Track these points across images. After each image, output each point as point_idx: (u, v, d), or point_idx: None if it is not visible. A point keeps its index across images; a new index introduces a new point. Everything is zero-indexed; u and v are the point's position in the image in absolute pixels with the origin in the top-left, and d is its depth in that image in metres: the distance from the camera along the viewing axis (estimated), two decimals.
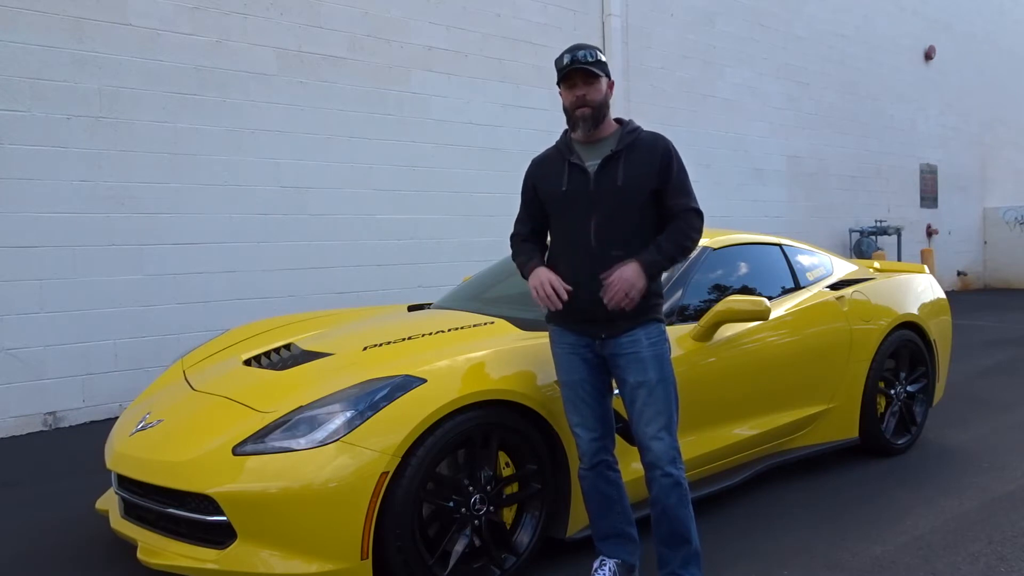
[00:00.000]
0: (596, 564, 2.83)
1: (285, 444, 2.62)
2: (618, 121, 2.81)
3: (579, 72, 2.67)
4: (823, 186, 12.32)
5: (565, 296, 2.65)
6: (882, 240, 12.99)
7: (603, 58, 2.73)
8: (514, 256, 2.93)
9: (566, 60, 2.68)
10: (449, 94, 7.76)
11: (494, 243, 7.78)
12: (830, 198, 12.45)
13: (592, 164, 2.71)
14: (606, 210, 2.67)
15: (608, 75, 2.75)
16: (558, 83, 2.75)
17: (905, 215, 14.02)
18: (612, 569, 2.81)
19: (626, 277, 2.57)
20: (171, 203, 6.06)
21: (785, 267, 4.27)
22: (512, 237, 2.98)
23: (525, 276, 2.82)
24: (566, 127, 2.82)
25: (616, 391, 2.82)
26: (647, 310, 2.70)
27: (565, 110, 2.75)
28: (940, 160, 14.90)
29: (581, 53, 2.67)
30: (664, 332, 2.75)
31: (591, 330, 2.73)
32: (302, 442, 2.60)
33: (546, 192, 2.81)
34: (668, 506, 2.65)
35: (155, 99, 5.97)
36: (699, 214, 2.73)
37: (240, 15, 6.40)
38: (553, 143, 2.89)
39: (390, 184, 7.34)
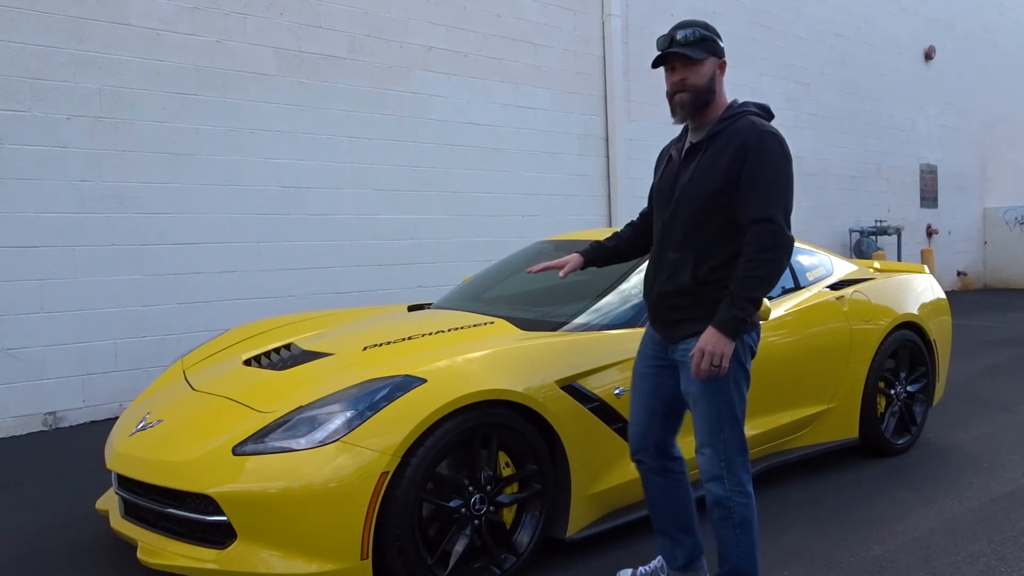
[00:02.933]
0: (659, 558, 2.86)
1: (285, 444, 2.62)
2: (731, 104, 2.53)
3: (677, 55, 2.43)
4: (823, 186, 12.32)
5: (530, 270, 3.00)
6: (882, 240, 12.99)
7: (711, 35, 2.46)
8: None
9: (662, 44, 2.45)
10: (449, 94, 7.76)
11: (494, 243, 7.80)
12: (830, 198, 12.45)
13: (680, 157, 2.56)
14: (673, 209, 2.52)
15: (719, 54, 2.47)
16: (654, 65, 2.52)
17: (905, 215, 14.03)
18: (661, 563, 2.83)
19: (704, 348, 2.35)
20: (171, 203, 6.06)
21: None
22: None
23: None
24: None
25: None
26: (704, 319, 2.43)
27: (667, 95, 2.51)
28: (940, 160, 14.90)
29: (681, 34, 2.42)
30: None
31: (660, 330, 2.65)
32: (302, 442, 2.60)
33: (653, 182, 2.74)
34: (712, 521, 2.58)
35: (155, 99, 5.97)
36: (772, 223, 2.34)
37: (240, 15, 6.40)
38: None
39: (390, 184, 7.34)
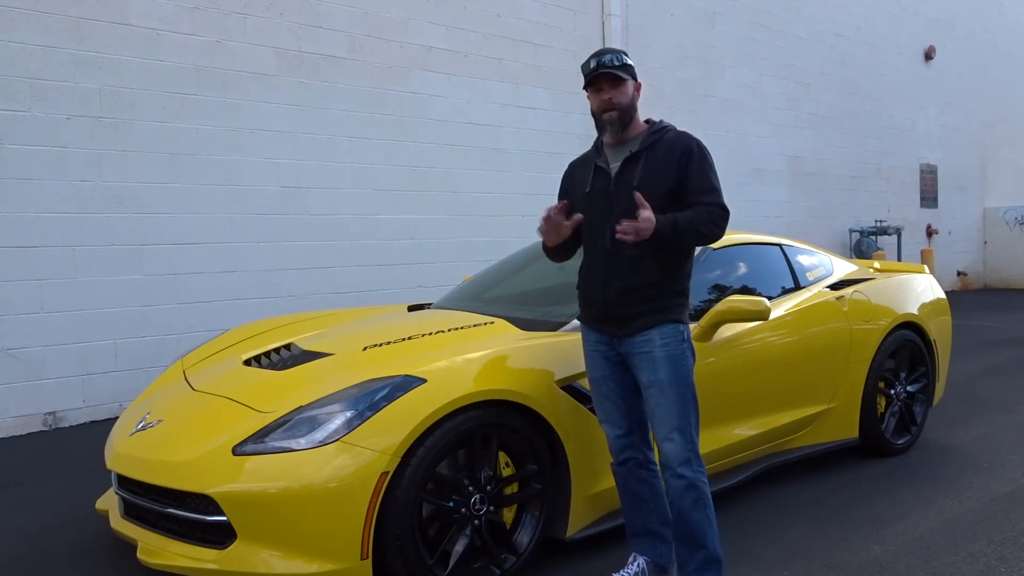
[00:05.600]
0: (630, 559, 2.87)
1: (285, 444, 2.62)
2: (648, 122, 2.82)
3: (605, 76, 2.69)
4: (823, 186, 12.32)
5: (554, 213, 2.73)
6: (882, 240, 12.99)
7: (630, 62, 2.76)
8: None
9: (592, 64, 2.70)
10: (449, 94, 7.76)
11: (494, 243, 7.79)
12: (830, 198, 12.45)
13: (615, 166, 2.75)
14: (622, 210, 2.66)
15: (635, 77, 2.77)
16: (585, 87, 2.77)
17: (905, 215, 14.03)
18: (641, 567, 2.83)
19: (636, 224, 2.50)
20: (171, 203, 6.06)
21: (785, 267, 4.27)
22: None
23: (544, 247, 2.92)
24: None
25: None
26: (663, 310, 2.67)
27: (593, 114, 2.78)
28: (940, 160, 14.90)
29: (607, 57, 2.70)
30: (682, 334, 2.71)
31: (608, 328, 2.77)
32: (302, 442, 2.60)
33: (574, 195, 2.89)
34: (682, 508, 2.65)
35: (155, 99, 5.97)
36: (723, 209, 2.66)
37: (240, 15, 6.40)
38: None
39: (390, 184, 7.34)
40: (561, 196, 2.98)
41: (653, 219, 2.52)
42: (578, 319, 2.94)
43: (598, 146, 2.87)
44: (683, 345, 2.69)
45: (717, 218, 2.64)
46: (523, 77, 8.35)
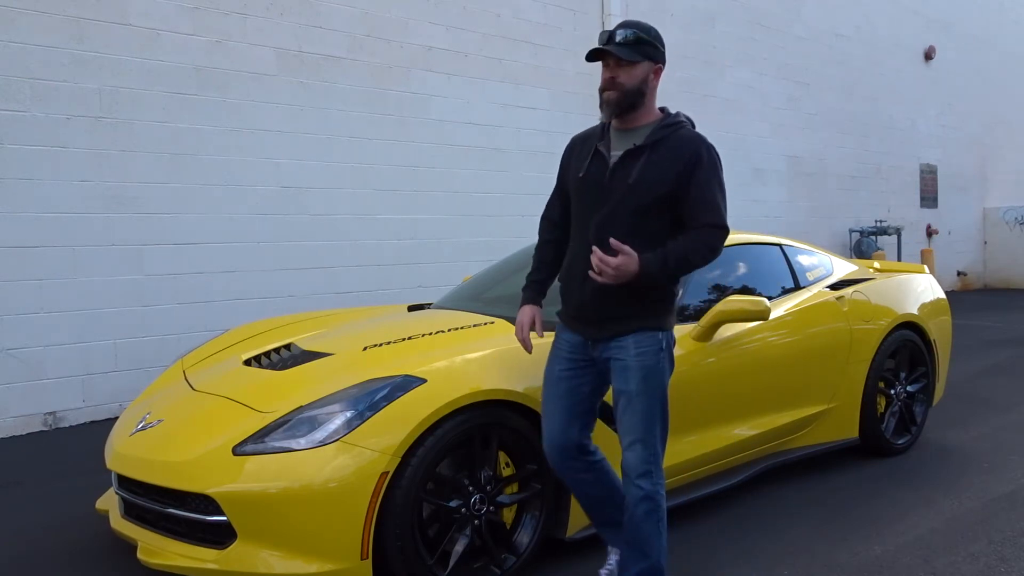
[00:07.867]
0: (608, 552, 2.88)
1: (285, 444, 2.62)
2: (663, 111, 2.60)
3: (610, 53, 2.45)
4: (823, 186, 12.32)
5: (531, 351, 2.75)
6: (882, 240, 12.99)
7: (649, 38, 2.48)
8: (534, 252, 2.89)
9: (602, 39, 2.47)
10: (449, 94, 7.76)
11: (494, 243, 7.79)
12: (830, 198, 12.45)
13: (615, 155, 2.54)
14: (612, 206, 2.51)
15: (654, 58, 2.50)
16: (587, 59, 2.54)
17: (905, 215, 14.02)
18: (619, 556, 2.82)
19: (615, 262, 2.37)
20: (171, 203, 6.05)
21: (785, 267, 4.27)
22: (541, 220, 2.88)
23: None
24: None
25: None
26: (641, 316, 2.54)
27: (599, 89, 2.53)
28: (940, 160, 14.89)
29: (621, 33, 2.45)
30: (660, 342, 2.56)
31: (583, 330, 2.65)
32: (302, 442, 2.60)
33: (569, 175, 2.70)
34: (635, 515, 2.58)
35: (155, 99, 5.97)
36: (720, 230, 2.49)
37: (240, 15, 6.39)
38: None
39: (390, 184, 7.34)
40: (560, 171, 2.79)
41: (635, 259, 2.37)
42: (556, 315, 2.78)
43: (604, 127, 2.63)
44: (659, 355, 2.55)
45: (712, 243, 2.49)
46: (523, 77, 8.35)
